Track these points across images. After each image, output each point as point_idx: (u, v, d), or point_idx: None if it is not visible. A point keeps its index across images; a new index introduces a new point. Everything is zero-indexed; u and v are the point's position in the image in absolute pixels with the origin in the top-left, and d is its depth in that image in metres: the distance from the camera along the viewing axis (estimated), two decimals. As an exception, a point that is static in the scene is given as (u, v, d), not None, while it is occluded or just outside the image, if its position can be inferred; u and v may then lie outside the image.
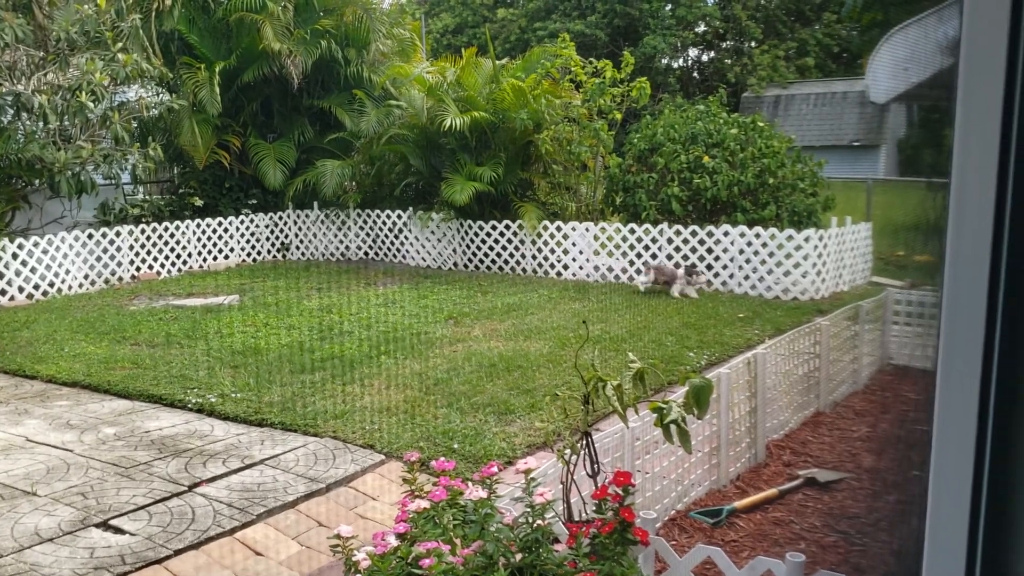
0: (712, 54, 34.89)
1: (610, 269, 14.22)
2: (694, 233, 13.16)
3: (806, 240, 12.31)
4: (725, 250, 12.97)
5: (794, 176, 13.50)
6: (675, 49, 33.13)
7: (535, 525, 3.13)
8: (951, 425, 1.19)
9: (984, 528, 1.18)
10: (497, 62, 16.30)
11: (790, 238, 12.42)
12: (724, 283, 13.01)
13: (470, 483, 3.34)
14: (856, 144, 27.55)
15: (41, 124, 13.70)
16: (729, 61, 33.16)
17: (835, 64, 32.81)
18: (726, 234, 12.94)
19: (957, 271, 1.16)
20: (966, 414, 1.17)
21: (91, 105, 13.47)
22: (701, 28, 33.69)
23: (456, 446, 6.44)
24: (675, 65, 34.32)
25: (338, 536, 3.09)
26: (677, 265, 13.12)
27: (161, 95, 16.62)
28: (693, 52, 35.36)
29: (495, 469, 3.40)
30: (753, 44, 32.49)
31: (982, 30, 1.10)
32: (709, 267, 13.11)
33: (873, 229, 13.85)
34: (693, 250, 13.18)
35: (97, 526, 5.32)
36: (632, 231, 13.80)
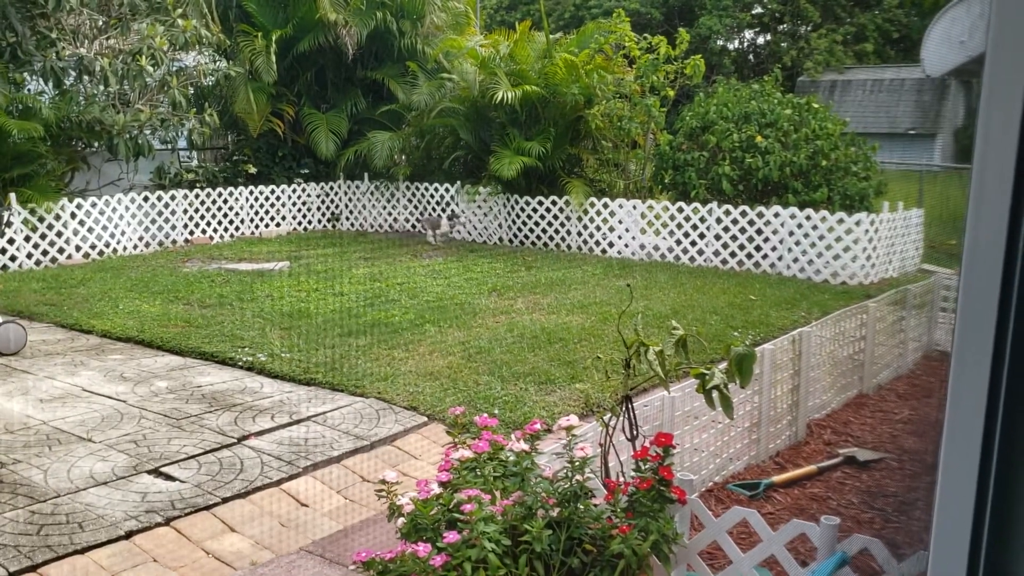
0: (768, 37, 34.44)
1: (656, 248, 14.17)
2: (744, 213, 13.06)
3: (857, 224, 12.15)
4: (775, 231, 12.85)
5: (847, 159, 13.31)
6: (731, 30, 32.74)
7: (574, 480, 3.20)
8: (962, 408, 1.20)
9: (991, 510, 1.20)
10: (551, 36, 16.26)
11: (841, 221, 12.27)
12: (772, 265, 12.90)
13: (512, 437, 3.42)
14: (912, 132, 27.06)
15: (102, 87, 13.98)
16: (785, 44, 32.71)
17: (894, 50, 32.17)
18: (776, 215, 12.81)
19: (974, 258, 1.16)
20: (976, 399, 1.18)
21: (150, 69, 13.72)
22: (758, 10, 33.24)
23: (497, 411, 6.53)
24: (730, 47, 33.93)
25: (383, 481, 3.19)
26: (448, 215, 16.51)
27: (218, 62, 16.85)
28: (749, 34, 34.93)
29: (538, 426, 3.47)
30: (810, 28, 31.98)
31: (1010, 15, 1.09)
32: (758, 248, 13.01)
33: (925, 217, 13.64)
34: (743, 230, 13.08)
35: (149, 472, 5.51)
36: (680, 210, 13.72)
